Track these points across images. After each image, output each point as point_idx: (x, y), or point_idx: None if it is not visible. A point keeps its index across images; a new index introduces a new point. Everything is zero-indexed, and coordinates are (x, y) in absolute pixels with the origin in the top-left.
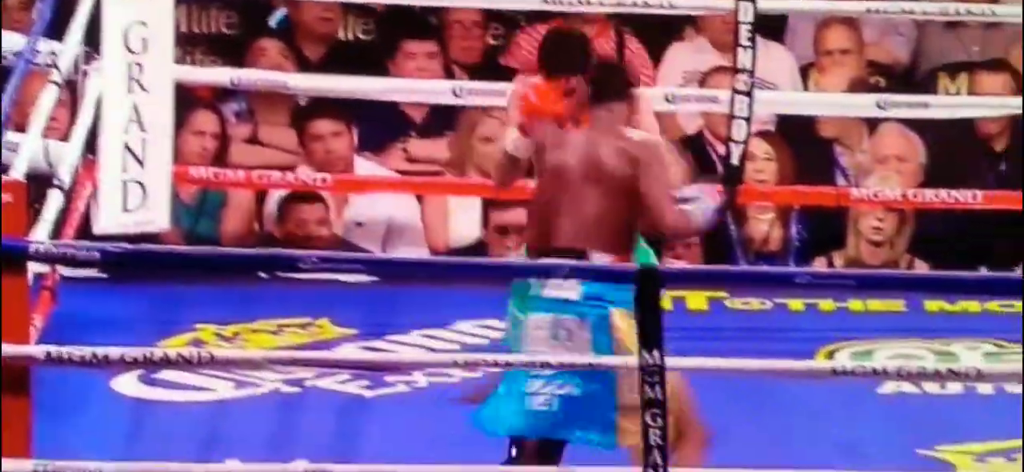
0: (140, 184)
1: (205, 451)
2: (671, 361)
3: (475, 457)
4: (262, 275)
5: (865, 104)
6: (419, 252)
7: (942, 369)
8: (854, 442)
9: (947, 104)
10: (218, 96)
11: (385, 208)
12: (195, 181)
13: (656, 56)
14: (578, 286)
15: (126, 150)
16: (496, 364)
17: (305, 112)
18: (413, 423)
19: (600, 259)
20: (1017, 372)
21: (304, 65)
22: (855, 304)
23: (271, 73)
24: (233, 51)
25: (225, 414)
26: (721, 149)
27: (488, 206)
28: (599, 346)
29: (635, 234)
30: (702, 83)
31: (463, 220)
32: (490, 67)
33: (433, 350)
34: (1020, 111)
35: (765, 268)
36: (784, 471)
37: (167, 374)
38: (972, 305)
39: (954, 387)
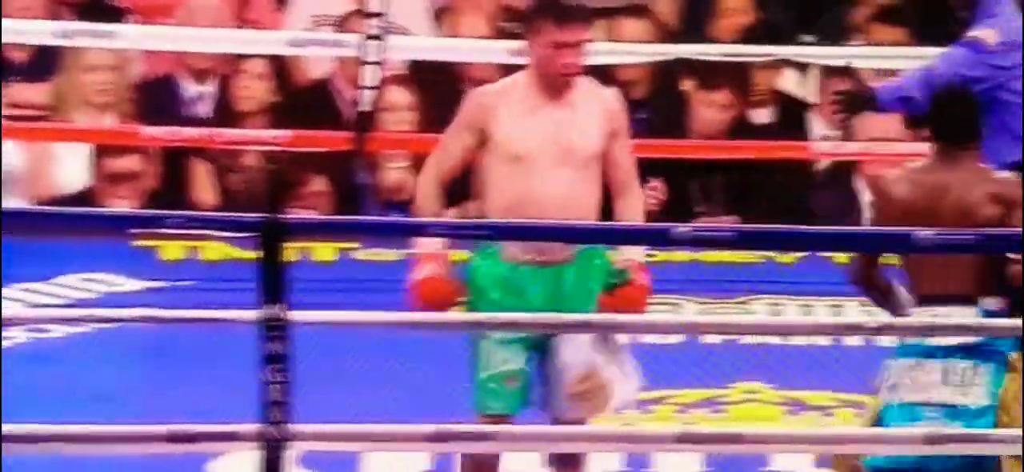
0: None
1: None
2: (295, 314)
3: (76, 416)
4: None
5: (498, 49)
6: (26, 202)
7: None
8: None
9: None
10: None
11: None
12: None
13: None
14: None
15: None
16: (106, 320)
17: None
18: (9, 382)
19: (992, 304)
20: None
21: None
22: None
23: None
24: None
25: None
26: (351, 96)
27: (99, 153)
28: (995, 386)
29: None
30: (339, 27)
31: (70, 167)
32: (99, 7)
33: (34, 305)
34: (663, 58)
35: (398, 218)
36: None
37: None
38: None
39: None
